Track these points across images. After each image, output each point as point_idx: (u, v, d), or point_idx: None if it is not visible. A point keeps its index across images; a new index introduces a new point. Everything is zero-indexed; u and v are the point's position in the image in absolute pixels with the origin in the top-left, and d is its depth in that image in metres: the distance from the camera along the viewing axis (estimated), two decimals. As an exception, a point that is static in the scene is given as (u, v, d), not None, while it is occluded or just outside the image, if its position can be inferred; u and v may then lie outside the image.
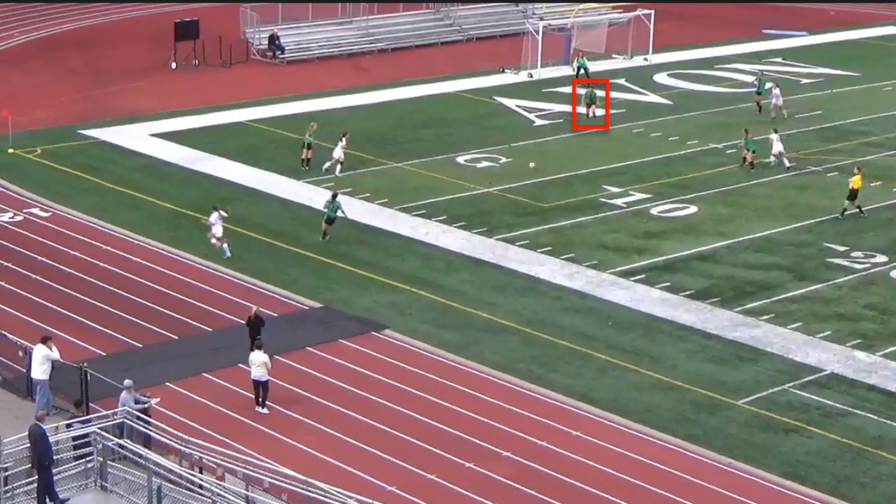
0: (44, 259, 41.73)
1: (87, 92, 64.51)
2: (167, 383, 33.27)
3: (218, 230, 42.16)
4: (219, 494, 24.75)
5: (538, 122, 60.52)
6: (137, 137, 56.20)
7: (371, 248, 43.65)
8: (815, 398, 33.81)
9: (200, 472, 26.32)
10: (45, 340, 31.47)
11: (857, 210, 47.16)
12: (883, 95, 67.08)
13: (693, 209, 48.27)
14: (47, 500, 25.54)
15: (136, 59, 71.43)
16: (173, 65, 70.13)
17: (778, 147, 53.32)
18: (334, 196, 44.33)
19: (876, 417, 32.92)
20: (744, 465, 30.52)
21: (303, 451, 30.31)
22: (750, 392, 34.08)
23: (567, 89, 65.20)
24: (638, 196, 49.47)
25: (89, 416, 27.77)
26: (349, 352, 35.92)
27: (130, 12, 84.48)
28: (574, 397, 33.59)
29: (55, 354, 31.15)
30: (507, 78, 69.26)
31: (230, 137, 56.69)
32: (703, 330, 37.89)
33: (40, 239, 43.66)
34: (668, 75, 70.56)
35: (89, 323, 36.96)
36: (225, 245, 42.18)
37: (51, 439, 25.87)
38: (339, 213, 43.88)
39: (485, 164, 53.48)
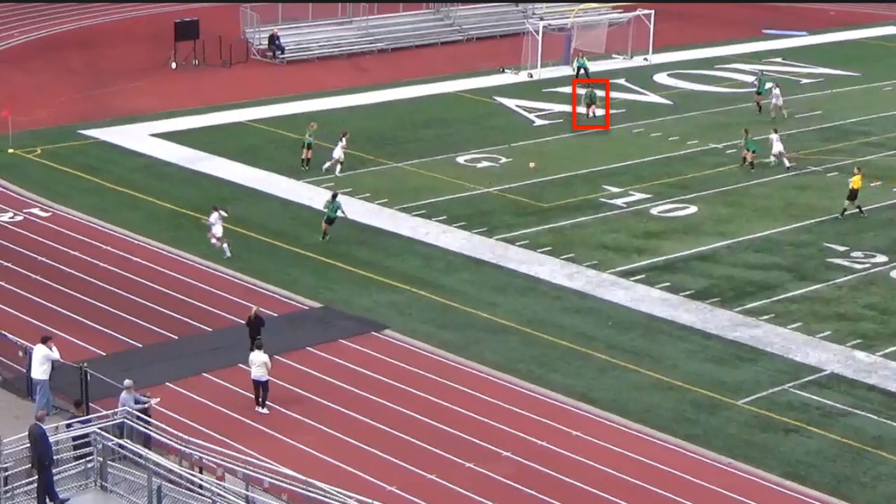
0: (44, 259, 41.74)
1: (87, 92, 64.52)
2: (167, 383, 33.27)
3: (218, 230, 42.17)
4: (219, 494, 24.75)
5: (538, 122, 60.53)
6: (137, 137, 56.21)
7: (371, 248, 43.65)
8: (815, 398, 33.81)
9: (200, 472, 26.32)
10: (45, 340, 31.47)
11: (857, 210, 47.17)
12: (883, 95, 67.08)
13: (693, 209, 48.28)
14: (47, 500, 25.54)
15: (136, 59, 71.44)
16: (173, 65, 70.13)
17: (778, 147, 53.32)
18: (334, 196, 44.33)
19: (876, 417, 32.92)
20: (744, 465, 30.52)
21: (303, 451, 30.32)
22: (750, 392, 34.08)
23: (567, 89, 65.21)
24: (638, 196, 49.47)
25: (89, 416, 27.77)
26: (349, 352, 35.92)
27: (130, 12, 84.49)
28: (574, 397, 33.59)
29: (55, 354, 31.15)
30: (507, 78, 69.26)
31: (230, 137, 56.70)
32: (703, 330, 37.90)
33: (40, 239, 43.66)
34: (668, 75, 70.56)
35: (89, 323, 36.97)
36: (225, 245, 42.18)
37: (51, 439, 25.87)
38: (339, 213, 43.88)
39: (485, 164, 53.48)
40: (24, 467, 26.00)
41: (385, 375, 34.38)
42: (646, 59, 73.48)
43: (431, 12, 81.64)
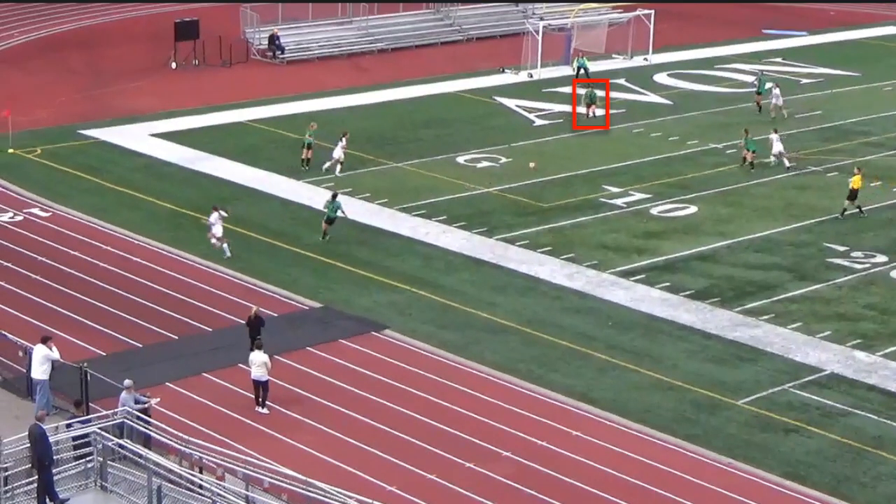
0: (44, 259, 41.74)
1: (87, 92, 64.52)
2: (167, 383, 33.27)
3: (218, 230, 42.17)
4: (219, 494, 24.75)
5: (538, 122, 60.53)
6: (137, 137, 56.21)
7: (371, 248, 43.65)
8: (815, 398, 33.81)
9: (200, 472, 26.33)
10: (45, 340, 31.47)
11: (857, 210, 47.17)
12: (883, 95, 67.09)
13: (693, 209, 48.28)
14: (47, 500, 25.54)
15: (136, 59, 71.44)
16: (173, 65, 70.13)
17: (778, 147, 53.32)
18: (334, 196, 44.33)
19: (876, 417, 32.92)
20: (744, 465, 30.52)
21: (303, 451, 30.32)
22: (750, 392, 34.08)
23: (567, 89, 65.21)
24: (638, 196, 49.47)
25: (89, 416, 27.77)
26: (349, 352, 35.92)
27: (130, 12, 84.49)
28: (574, 397, 33.59)
29: (55, 354, 31.15)
30: (507, 78, 69.26)
31: (230, 137, 56.70)
32: (703, 330, 37.90)
33: (40, 239, 43.66)
34: (668, 75, 70.56)
35: (89, 323, 36.97)
36: (225, 245, 42.18)
37: (51, 439, 25.86)
38: (339, 213, 43.88)
39: (485, 164, 53.48)
40: (24, 467, 26.00)
41: (385, 375, 34.38)
42: (646, 59, 73.48)
43: (431, 12, 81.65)
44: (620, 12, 77.88)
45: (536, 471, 29.88)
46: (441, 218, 46.53)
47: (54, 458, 25.93)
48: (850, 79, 70.66)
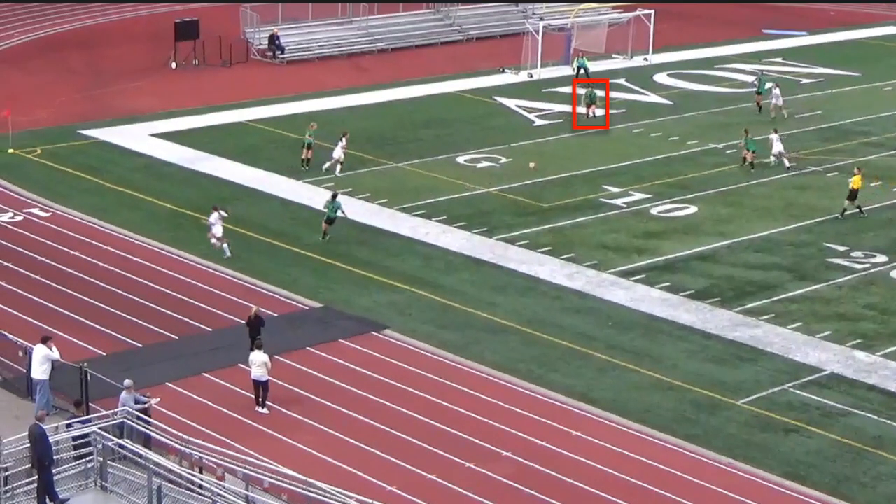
0: (44, 259, 41.74)
1: (87, 92, 64.52)
2: (167, 383, 33.27)
3: (218, 230, 42.17)
4: (219, 494, 24.75)
5: (538, 122, 60.53)
6: (137, 137, 56.21)
7: (371, 248, 43.65)
8: (815, 398, 33.81)
9: (200, 472, 26.33)
10: (45, 340, 31.47)
11: (857, 210, 47.17)
12: (883, 95, 67.09)
13: (693, 209, 48.28)
14: (47, 500, 25.54)
15: (136, 59, 71.44)
16: (173, 65, 70.14)
17: (778, 147, 53.32)
18: (334, 196, 44.33)
19: (876, 417, 32.92)
20: (744, 465, 30.52)
21: (303, 451, 30.32)
22: (750, 392, 34.08)
23: (567, 89, 65.21)
24: (638, 196, 49.47)
25: (89, 416, 27.77)
26: (349, 352, 35.92)
27: (130, 12, 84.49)
28: (574, 397, 33.59)
29: (55, 354, 31.15)
30: (507, 78, 69.27)
31: (230, 137, 56.70)
32: (703, 330, 37.90)
33: (40, 239, 43.66)
34: (668, 75, 70.56)
35: (89, 323, 36.97)
36: (225, 245, 42.18)
37: (51, 439, 25.87)
38: (339, 213, 43.88)
39: (485, 164, 53.48)
40: (24, 467, 26.00)
41: (385, 375, 34.38)
42: (646, 59, 73.48)
43: (431, 12, 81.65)
44: (620, 12, 77.88)
45: (536, 471, 29.88)
46: (441, 218, 46.53)
47: (54, 458, 25.93)
48: (850, 79, 70.66)
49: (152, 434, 27.11)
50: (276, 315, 37.35)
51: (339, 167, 50.90)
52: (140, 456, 25.56)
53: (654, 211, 47.96)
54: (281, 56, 72.63)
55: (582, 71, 68.39)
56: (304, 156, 51.53)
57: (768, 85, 62.82)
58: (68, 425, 27.50)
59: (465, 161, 53.72)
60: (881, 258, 43.52)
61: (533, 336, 37.21)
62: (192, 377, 33.96)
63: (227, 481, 26.01)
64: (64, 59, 71.38)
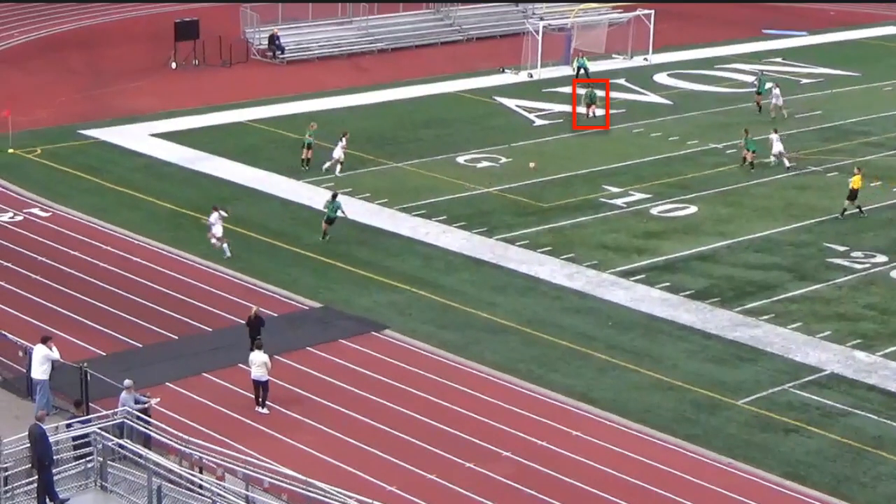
0: (44, 259, 41.74)
1: (87, 92, 64.52)
2: (167, 383, 33.27)
3: (218, 230, 42.17)
4: (219, 494, 24.75)
5: (538, 122, 60.53)
6: (137, 137, 56.21)
7: (371, 248, 43.65)
8: (815, 398, 33.81)
9: (200, 472, 26.33)
10: (45, 340, 31.47)
11: (857, 210, 47.17)
12: (883, 95, 67.09)
13: (693, 209, 48.28)
14: (47, 500, 25.54)
15: (136, 59, 71.44)
16: (173, 65, 70.14)
17: (778, 147, 53.32)
18: (334, 196, 44.33)
19: (876, 417, 32.92)
20: (744, 465, 30.52)
21: (303, 451, 30.32)
22: (750, 392, 34.08)
23: (567, 89, 65.21)
24: (638, 196, 49.47)
25: (89, 416, 27.77)
26: (349, 352, 35.92)
27: (130, 12, 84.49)
28: (574, 397, 33.58)
29: (55, 354, 31.15)
30: (507, 78, 69.27)
31: (230, 137, 56.70)
32: (703, 330, 37.90)
33: (40, 239, 43.66)
34: (668, 75, 70.57)
35: (89, 323, 36.97)
36: (225, 245, 42.18)
37: (51, 439, 25.86)
38: (339, 213, 43.88)
39: (485, 164, 53.48)
40: (24, 467, 26.00)
41: (385, 375, 34.38)
42: (646, 59, 73.49)
43: (431, 12, 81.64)
44: (620, 12, 77.88)
45: (536, 471, 29.88)
46: (441, 218, 46.53)
47: (54, 458, 25.93)
48: (850, 79, 70.66)
49: (152, 434, 27.11)
50: (276, 315, 37.35)
51: (339, 167, 50.90)
52: (140, 456, 25.56)
53: (654, 211, 47.96)
54: (281, 56, 72.64)
55: (582, 71, 68.39)
56: (304, 156, 51.53)
57: (768, 85, 62.82)
58: (68, 425, 27.50)
59: (465, 161, 53.72)
60: (881, 258, 43.52)
61: (533, 336, 37.21)
62: (192, 377, 33.96)
63: (227, 481, 26.01)
64: (64, 59, 71.38)
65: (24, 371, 31.89)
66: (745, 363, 35.81)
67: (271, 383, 32.48)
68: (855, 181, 47.20)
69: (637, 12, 74.71)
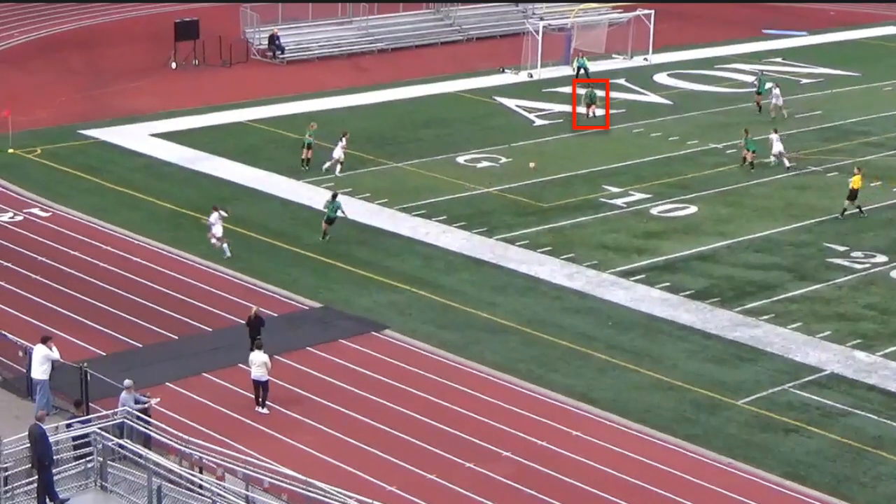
0: (44, 259, 41.74)
1: (87, 92, 64.52)
2: (167, 383, 33.27)
3: (218, 230, 42.17)
4: (219, 494, 24.75)
5: (538, 122, 60.53)
6: (137, 137, 56.21)
7: (371, 248, 43.65)
8: (815, 398, 33.81)
9: (200, 472, 26.33)
10: (45, 340, 31.47)
11: (857, 210, 47.17)
12: (883, 95, 67.09)
13: (693, 209, 48.28)
14: (47, 500, 25.54)
15: (136, 59, 71.45)
16: (173, 65, 70.14)
17: (778, 147, 53.33)
18: (334, 196, 44.33)
19: (876, 417, 32.92)
20: (744, 465, 30.52)
21: (303, 451, 30.32)
22: (750, 392, 34.08)
23: (567, 89, 65.21)
24: (638, 196, 49.48)
25: (89, 416, 27.77)
26: (349, 352, 35.92)
27: (130, 12, 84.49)
28: (574, 397, 33.59)
29: (55, 354, 31.15)
30: (507, 78, 69.27)
31: (230, 137, 56.70)
32: (703, 330, 37.89)
33: (40, 239, 43.66)
34: (668, 75, 70.57)
35: (89, 323, 36.97)
36: (225, 245, 42.18)
37: (51, 439, 25.86)
38: (339, 213, 43.89)
39: (485, 164, 53.48)
40: (24, 467, 26.00)
41: (385, 375, 34.38)
42: (646, 59, 73.48)
43: (431, 12, 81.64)
44: (620, 12, 77.88)
45: (536, 471, 29.88)
46: (441, 218, 46.53)
47: (54, 458, 25.93)
48: (850, 79, 70.66)
49: (152, 434, 27.11)
50: (276, 315, 37.35)
51: (339, 167, 50.90)
52: (140, 456, 25.56)
53: (654, 211, 47.96)
54: (281, 56, 72.64)
55: (582, 71, 68.40)
56: (304, 156, 51.53)
57: (768, 85, 62.83)
58: (68, 425, 27.50)
59: (465, 161, 53.73)
60: (881, 258, 43.52)
61: (533, 336, 37.21)
62: (192, 377, 33.96)
63: (227, 481, 26.01)
64: (64, 59, 71.38)
65: (24, 371, 31.89)
66: (745, 363, 35.81)
67: (271, 383, 32.48)
68: (855, 181, 47.20)
69: (637, 12, 74.71)
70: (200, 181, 50.57)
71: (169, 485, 25.24)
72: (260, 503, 25.75)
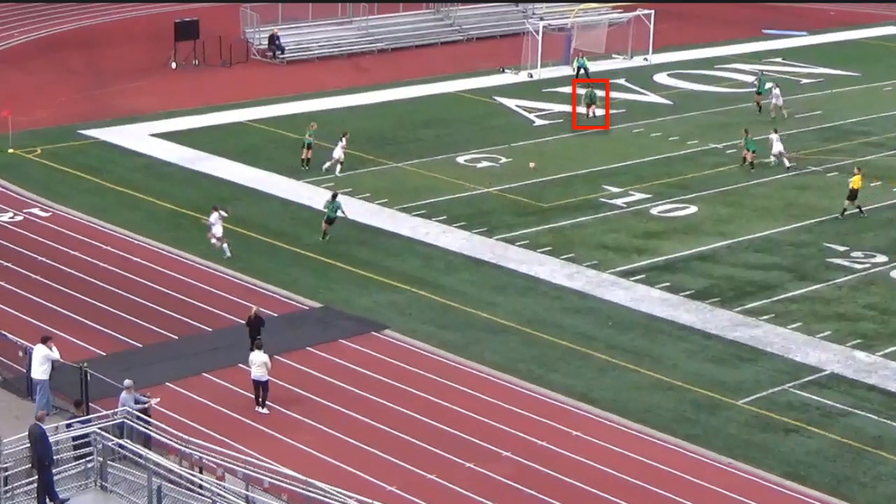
0: (44, 259, 41.74)
1: (87, 92, 64.52)
2: (167, 383, 33.27)
3: (218, 230, 42.17)
4: (219, 494, 24.75)
5: (538, 122, 60.53)
6: (137, 137, 56.21)
7: (371, 248, 43.65)
8: (815, 398, 33.81)
9: (200, 472, 26.33)
10: (45, 340, 31.47)
11: (857, 210, 47.17)
12: (883, 95, 67.09)
13: (693, 209, 48.28)
14: (47, 500, 25.54)
15: (136, 59, 71.45)
16: (173, 65, 70.14)
17: (778, 147, 53.33)
18: (334, 196, 44.33)
19: (876, 417, 32.92)
20: (744, 465, 30.52)
21: (303, 451, 30.32)
22: (750, 392, 34.08)
23: (567, 89, 65.21)
24: (638, 196, 49.47)
25: (89, 416, 27.77)
26: (349, 352, 35.92)
27: (130, 12, 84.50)
28: (574, 397, 33.59)
29: (55, 354, 31.15)
30: (507, 78, 69.27)
31: (230, 137, 56.70)
32: (703, 330, 37.89)
33: (40, 239, 43.66)
34: (668, 75, 70.57)
35: (89, 323, 36.97)
36: (225, 245, 42.18)
37: (51, 439, 25.86)
38: (339, 213, 43.89)
39: (485, 164, 53.48)
40: (24, 467, 26.00)
41: (385, 375, 34.38)
42: (646, 59, 73.48)
43: (431, 12, 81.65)
44: (620, 12, 77.89)
45: (536, 471, 29.88)
46: (441, 218, 46.53)
47: (54, 458, 25.93)
48: (850, 79, 70.66)
49: (152, 434, 27.11)
50: (276, 315, 37.35)
51: (339, 167, 50.90)
52: (140, 456, 25.56)
53: (654, 211, 47.96)
54: (281, 56, 72.64)
55: (582, 71, 68.40)
56: (304, 156, 51.53)
57: (768, 85, 62.83)
58: (68, 425, 27.50)
59: (465, 161, 53.73)
60: (881, 258, 43.53)
61: (533, 336, 37.21)
62: (192, 377, 33.96)
63: (227, 481, 26.01)
64: (64, 59, 71.38)
65: (24, 371, 31.89)
66: (745, 363, 35.81)
67: (271, 383, 32.48)
68: (855, 181, 47.20)
69: (637, 12, 74.71)
70: (200, 181, 50.57)
71: (169, 485, 25.24)
72: (260, 503, 25.75)
